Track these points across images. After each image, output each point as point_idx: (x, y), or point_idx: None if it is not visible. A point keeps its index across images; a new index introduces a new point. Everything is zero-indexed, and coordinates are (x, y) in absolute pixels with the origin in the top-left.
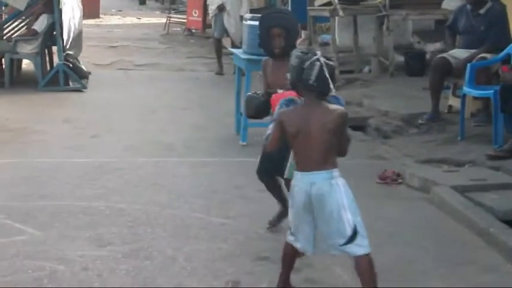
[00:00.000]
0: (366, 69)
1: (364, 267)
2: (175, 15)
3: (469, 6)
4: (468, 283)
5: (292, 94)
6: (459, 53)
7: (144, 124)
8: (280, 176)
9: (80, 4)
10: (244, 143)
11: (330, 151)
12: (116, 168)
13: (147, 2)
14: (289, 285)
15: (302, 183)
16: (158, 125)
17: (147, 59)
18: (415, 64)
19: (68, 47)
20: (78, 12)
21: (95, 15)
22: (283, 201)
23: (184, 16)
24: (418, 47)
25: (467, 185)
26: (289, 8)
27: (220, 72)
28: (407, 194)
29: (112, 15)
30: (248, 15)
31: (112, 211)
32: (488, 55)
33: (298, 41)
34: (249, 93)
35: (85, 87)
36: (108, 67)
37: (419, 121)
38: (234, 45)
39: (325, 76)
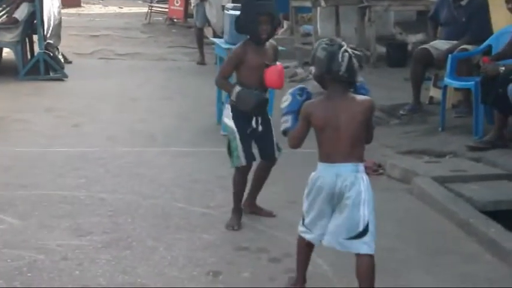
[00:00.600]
0: None
1: (366, 268)
2: (157, 5)
3: None
4: (449, 272)
5: (280, 66)
6: (440, 44)
7: (126, 113)
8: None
9: None
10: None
11: (357, 143)
12: (97, 158)
13: None
14: (305, 284)
15: (327, 174)
16: (140, 114)
17: (129, 49)
18: (396, 55)
19: (48, 36)
20: (57, 1)
21: (77, 4)
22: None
23: (166, 6)
24: (399, 38)
25: (448, 175)
26: None
27: (201, 62)
28: (388, 184)
29: (94, 4)
30: (229, 5)
31: (93, 200)
32: (469, 46)
33: (280, 31)
34: (242, 88)
35: (66, 76)
36: (90, 56)
37: (401, 112)
38: (215, 35)
39: (354, 66)
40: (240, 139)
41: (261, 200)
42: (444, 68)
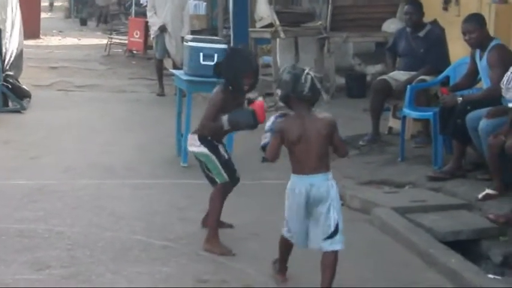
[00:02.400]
0: None
1: (330, 261)
2: (116, 37)
3: (408, 29)
4: None
5: (262, 102)
6: (399, 75)
7: (85, 145)
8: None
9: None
10: (185, 165)
11: (325, 155)
12: (56, 191)
13: (88, 23)
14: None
15: (302, 185)
16: (99, 146)
17: (88, 80)
18: (355, 86)
19: (8, 67)
20: (17, 31)
21: (36, 35)
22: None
23: (125, 37)
24: (358, 69)
25: (408, 206)
26: (231, 30)
27: (161, 94)
28: (348, 215)
29: (53, 36)
30: (189, 37)
31: (51, 234)
32: (427, 77)
33: None
34: (228, 114)
35: (24, 108)
36: (48, 88)
37: (360, 142)
38: (175, 67)
39: (317, 87)
40: (217, 159)
41: (224, 231)
42: (403, 99)
